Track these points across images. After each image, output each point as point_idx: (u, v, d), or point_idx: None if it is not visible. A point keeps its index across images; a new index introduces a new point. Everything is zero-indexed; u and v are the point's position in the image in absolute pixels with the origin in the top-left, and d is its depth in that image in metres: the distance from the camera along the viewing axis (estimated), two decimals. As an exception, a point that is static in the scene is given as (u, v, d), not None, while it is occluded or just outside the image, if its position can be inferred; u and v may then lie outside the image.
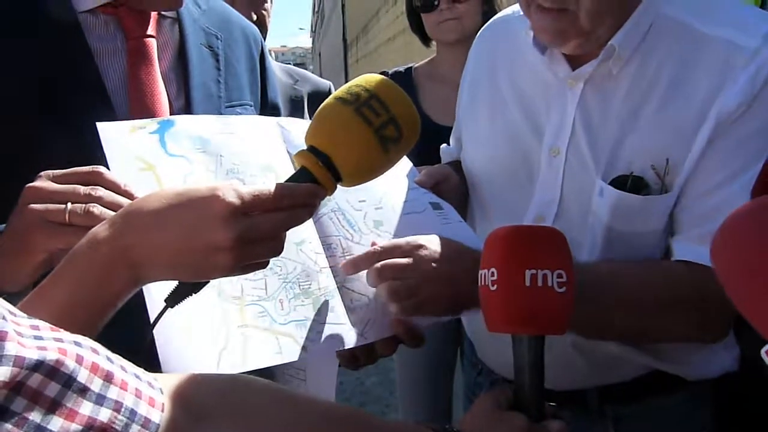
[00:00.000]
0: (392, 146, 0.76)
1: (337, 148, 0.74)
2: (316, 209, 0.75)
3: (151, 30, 1.04)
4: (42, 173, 0.81)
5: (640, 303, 0.96)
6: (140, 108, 0.97)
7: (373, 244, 0.94)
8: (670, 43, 1.00)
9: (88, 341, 0.48)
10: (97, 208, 0.77)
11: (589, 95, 1.05)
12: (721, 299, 0.92)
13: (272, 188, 0.70)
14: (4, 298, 0.81)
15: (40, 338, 0.43)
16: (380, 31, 14.66)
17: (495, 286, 0.72)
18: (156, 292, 0.74)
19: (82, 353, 0.45)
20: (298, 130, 1.02)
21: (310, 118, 0.98)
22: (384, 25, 13.87)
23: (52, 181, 0.80)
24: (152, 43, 1.03)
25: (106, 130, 0.87)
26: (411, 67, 2.13)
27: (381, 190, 1.03)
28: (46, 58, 0.95)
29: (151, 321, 0.73)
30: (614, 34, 1.00)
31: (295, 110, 2.02)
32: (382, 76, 0.79)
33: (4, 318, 0.42)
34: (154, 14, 1.05)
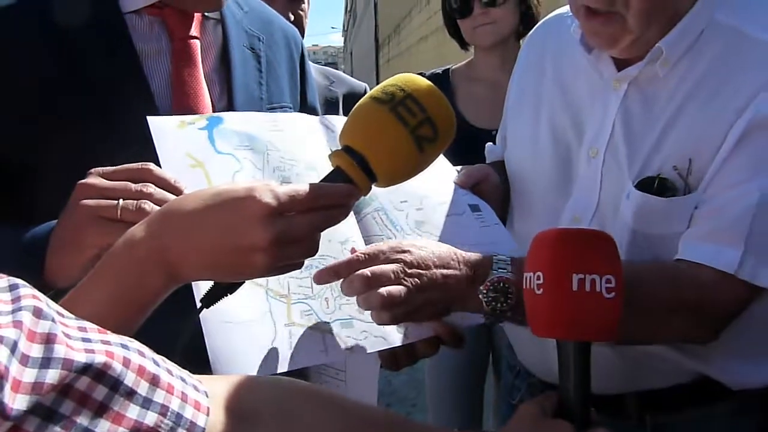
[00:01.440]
0: (428, 146, 0.76)
1: (372, 148, 0.74)
2: (350, 209, 0.74)
3: (195, 31, 1.05)
4: (92, 170, 0.82)
5: (649, 307, 0.93)
6: (183, 109, 0.98)
7: (353, 251, 0.90)
8: (719, 49, 0.99)
9: (134, 343, 0.48)
10: (148, 205, 0.78)
11: (632, 97, 1.04)
12: (716, 300, 0.91)
13: (308, 188, 0.70)
14: (55, 294, 0.83)
15: (88, 340, 0.44)
16: (412, 31, 14.65)
17: (541, 290, 0.70)
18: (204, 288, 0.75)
19: (129, 356, 0.45)
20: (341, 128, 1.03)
21: None
22: (416, 25, 13.86)
23: (103, 178, 0.81)
24: (196, 44, 1.04)
25: (156, 123, 0.87)
26: (448, 69, 2.13)
27: (422, 191, 1.03)
28: (92, 58, 0.96)
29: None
30: (663, 36, 0.99)
31: (330, 111, 2.02)
32: (417, 76, 0.78)
33: (53, 320, 0.42)
34: (197, 15, 1.06)
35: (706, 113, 0.97)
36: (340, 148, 0.77)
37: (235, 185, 0.69)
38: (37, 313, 0.41)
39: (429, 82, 0.78)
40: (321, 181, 0.75)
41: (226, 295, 0.72)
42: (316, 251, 0.73)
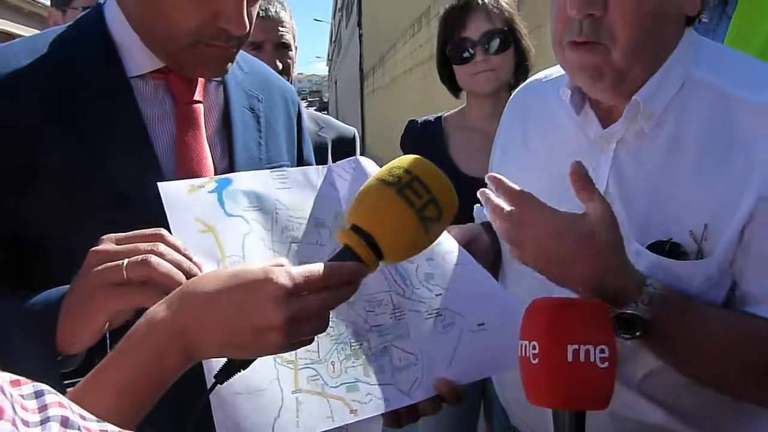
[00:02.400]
0: (433, 225, 0.79)
1: (380, 228, 0.77)
2: (359, 286, 0.77)
3: (198, 95, 1.08)
4: (105, 237, 0.83)
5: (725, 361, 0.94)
6: (187, 172, 1.01)
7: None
8: (705, 107, 1.00)
9: None
10: (154, 258, 0.79)
11: (623, 156, 1.05)
12: None
13: (320, 269, 0.73)
14: (61, 360, 0.84)
15: None
16: (397, 63, 14.83)
17: (536, 359, 0.73)
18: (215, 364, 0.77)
19: None
20: (350, 178, 1.02)
21: None
22: (401, 57, 14.04)
23: (116, 244, 0.82)
24: (200, 108, 1.07)
25: (167, 189, 0.89)
26: (440, 117, 2.15)
27: None
28: (98, 124, 0.99)
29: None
30: (646, 80, 1.00)
31: (320, 157, 2.05)
32: (421, 157, 0.82)
33: (79, 428, 0.43)
34: (201, 80, 1.10)
35: (705, 178, 0.98)
36: (343, 209, 0.79)
37: (251, 266, 0.72)
38: (65, 423, 0.43)
39: (431, 164, 0.81)
40: (330, 259, 0.78)
41: (240, 371, 0.74)
42: (326, 328, 0.75)
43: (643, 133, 1.03)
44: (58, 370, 0.84)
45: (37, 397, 0.44)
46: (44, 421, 0.42)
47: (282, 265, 0.72)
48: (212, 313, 0.69)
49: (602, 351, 0.72)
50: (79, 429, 0.44)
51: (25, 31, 14.80)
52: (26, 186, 0.95)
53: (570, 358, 0.71)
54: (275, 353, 0.73)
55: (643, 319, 0.89)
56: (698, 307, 0.97)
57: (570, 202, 1.08)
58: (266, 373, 0.83)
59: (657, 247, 0.99)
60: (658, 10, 0.96)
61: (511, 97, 1.33)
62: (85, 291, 0.81)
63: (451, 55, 2.01)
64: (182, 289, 0.72)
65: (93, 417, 0.47)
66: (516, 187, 0.97)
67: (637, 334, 0.90)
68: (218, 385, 0.73)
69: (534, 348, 0.74)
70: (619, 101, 1.05)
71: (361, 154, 2.49)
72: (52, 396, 0.44)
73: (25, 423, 0.41)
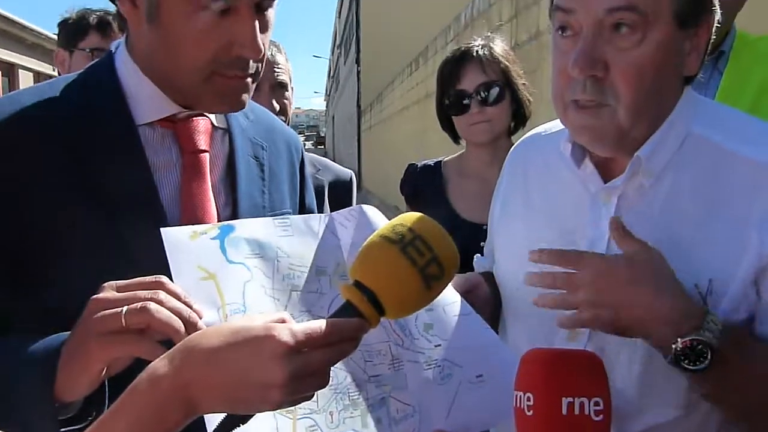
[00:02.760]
0: (435, 283, 0.80)
1: (382, 285, 0.78)
2: (359, 342, 0.78)
3: (204, 144, 1.10)
4: (106, 284, 0.85)
5: None
6: (191, 220, 1.02)
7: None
8: (703, 162, 1.02)
9: None
10: (152, 305, 0.80)
11: (624, 210, 1.06)
12: None
13: (323, 326, 0.74)
14: (59, 406, 0.85)
15: None
16: (395, 100, 14.99)
17: (531, 411, 0.74)
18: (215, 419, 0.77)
19: None
20: (349, 227, 1.03)
21: (331, 208, 1.02)
22: (398, 94, 14.21)
23: (117, 291, 0.84)
24: (205, 157, 1.09)
25: (169, 235, 0.90)
26: (440, 162, 2.17)
27: None
28: (105, 172, 1.00)
29: None
30: (648, 137, 1.02)
31: (317, 199, 2.07)
32: (424, 215, 0.84)
33: None
34: (207, 128, 1.12)
35: (707, 234, 0.99)
36: (344, 258, 0.80)
37: (254, 323, 0.73)
38: None
39: (435, 222, 0.83)
40: (332, 315, 0.79)
41: (240, 425, 0.75)
42: (327, 383, 0.76)
43: (644, 188, 1.05)
44: (56, 417, 0.85)
45: None
46: None
47: (284, 321, 0.74)
48: (214, 369, 0.70)
49: (596, 404, 0.73)
50: None
51: (27, 62, 14.97)
52: (29, 229, 0.96)
53: (564, 411, 0.72)
54: (276, 409, 0.74)
55: (711, 346, 0.89)
56: (758, 344, 0.98)
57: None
58: (264, 423, 0.83)
59: None
60: (659, 70, 0.98)
61: (511, 151, 1.34)
62: (83, 338, 0.81)
63: (448, 106, 2.05)
64: (185, 344, 0.73)
65: None
66: (563, 250, 0.99)
67: (705, 364, 0.89)
68: None
69: (529, 400, 0.75)
70: (621, 156, 1.07)
71: (357, 191, 2.49)
72: None
73: None
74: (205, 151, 1.10)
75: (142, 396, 0.70)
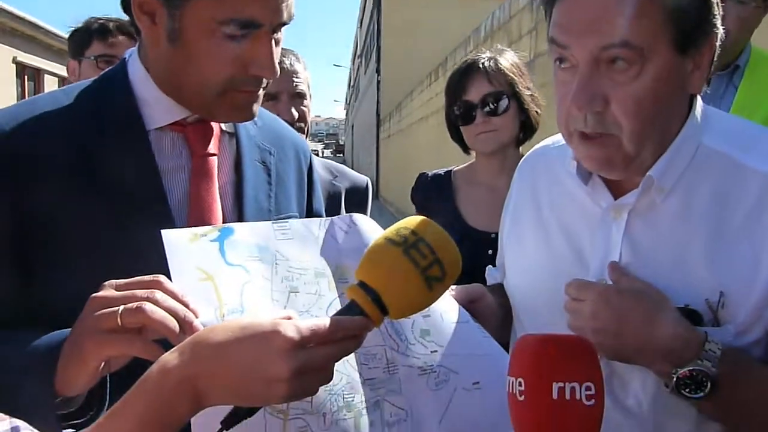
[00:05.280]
0: (436, 284, 0.82)
1: (386, 285, 0.80)
2: (363, 340, 0.80)
3: (213, 148, 1.12)
4: (106, 283, 0.86)
5: None
6: (198, 222, 1.04)
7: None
8: (714, 176, 1.02)
9: None
10: (148, 305, 0.81)
11: (635, 226, 1.05)
12: None
13: (327, 323, 0.76)
14: (61, 401, 0.86)
15: None
16: (413, 110, 15.03)
17: (522, 396, 0.74)
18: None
19: None
20: (349, 231, 1.03)
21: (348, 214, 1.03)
22: (417, 105, 14.24)
23: (116, 290, 0.85)
24: (214, 160, 1.11)
25: (169, 237, 0.91)
26: (450, 171, 2.19)
27: None
28: (115, 176, 1.02)
29: None
30: (657, 157, 1.02)
31: (333, 205, 2.08)
32: (427, 219, 0.85)
33: None
34: (216, 132, 1.14)
35: (719, 247, 0.99)
36: (353, 283, 0.82)
37: (261, 319, 0.75)
38: None
39: (438, 226, 0.84)
40: (337, 313, 0.81)
41: (246, 418, 0.76)
42: (331, 379, 0.77)
43: (655, 204, 1.04)
44: (55, 411, 0.87)
45: None
46: None
47: (290, 318, 0.75)
48: (222, 363, 0.72)
49: (588, 388, 0.72)
50: None
51: (53, 67, 15.24)
52: (43, 232, 0.98)
53: (555, 395, 0.71)
54: (281, 402, 0.76)
55: (709, 376, 0.91)
56: (759, 365, 0.98)
57: (584, 270, 1.08)
58: (254, 424, 0.83)
59: None
60: (659, 98, 0.97)
61: (520, 164, 1.34)
62: (80, 335, 0.83)
63: (455, 117, 2.07)
64: (194, 339, 0.75)
65: None
66: (576, 282, 1.02)
67: (705, 392, 0.91)
68: (224, 431, 0.75)
69: (520, 385, 0.74)
70: (629, 178, 1.06)
71: (374, 199, 2.48)
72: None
73: None
74: (213, 154, 1.11)
75: (151, 387, 0.72)
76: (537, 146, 1.32)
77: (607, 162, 1.01)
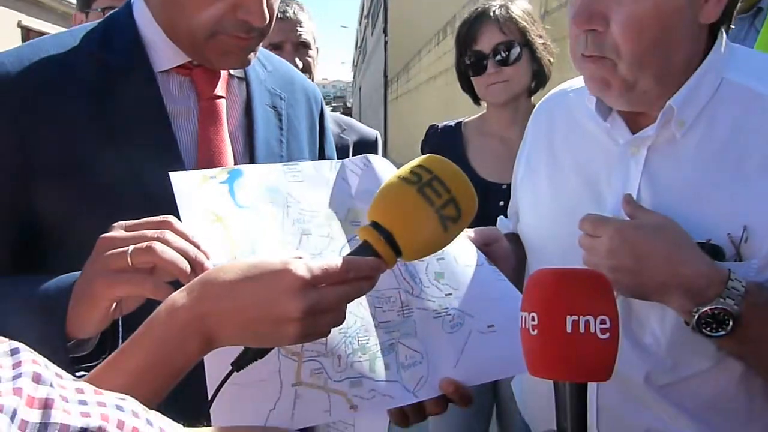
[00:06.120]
0: (451, 225, 0.79)
1: (399, 225, 0.78)
2: (376, 281, 0.78)
3: (221, 90, 1.10)
4: (115, 224, 0.85)
5: None
6: (208, 166, 1.02)
7: None
8: (737, 110, 0.99)
9: (129, 403, 0.50)
10: (158, 245, 0.80)
11: (655, 162, 1.03)
12: None
13: (339, 262, 0.74)
14: (73, 344, 0.86)
15: (84, 403, 0.46)
16: (421, 70, 14.85)
17: (535, 330, 0.71)
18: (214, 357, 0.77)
19: (123, 418, 0.47)
20: (361, 174, 1.02)
21: None
22: (425, 64, 14.07)
23: (125, 231, 0.84)
24: (222, 103, 1.09)
25: (178, 179, 0.89)
26: (461, 122, 2.16)
27: None
28: (125, 116, 1.01)
29: (208, 383, 0.77)
30: (663, 90, 1.00)
31: (341, 159, 2.06)
32: (442, 157, 0.82)
33: (51, 385, 0.44)
34: (224, 75, 1.11)
35: (743, 182, 0.97)
36: (365, 224, 0.80)
37: (271, 258, 0.73)
38: (36, 379, 0.44)
39: (453, 164, 0.82)
40: (349, 253, 0.79)
41: (257, 359, 0.75)
42: (343, 321, 0.76)
43: (675, 139, 1.02)
44: (67, 354, 0.86)
45: (12, 354, 0.45)
46: (16, 377, 0.43)
47: (301, 258, 0.73)
48: (232, 301, 0.70)
49: (603, 322, 0.69)
50: (51, 385, 0.45)
51: (59, 30, 15.13)
52: (52, 175, 0.97)
53: (569, 329, 0.69)
54: (292, 343, 0.74)
55: (731, 314, 0.89)
56: None
57: (600, 209, 1.06)
58: (268, 365, 0.83)
59: None
60: (662, 22, 0.95)
61: (535, 109, 1.32)
62: (90, 276, 0.82)
63: (466, 67, 2.03)
64: (203, 278, 0.74)
65: (70, 377, 0.48)
66: (590, 215, 0.99)
67: (726, 330, 0.90)
68: (235, 372, 0.74)
69: (533, 319, 0.72)
70: (636, 109, 1.04)
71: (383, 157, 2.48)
72: (26, 354, 0.46)
73: None
74: (221, 96, 1.09)
75: (159, 326, 0.70)
76: (553, 91, 1.30)
77: (605, 84, 1.00)
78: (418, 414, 0.96)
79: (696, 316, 0.91)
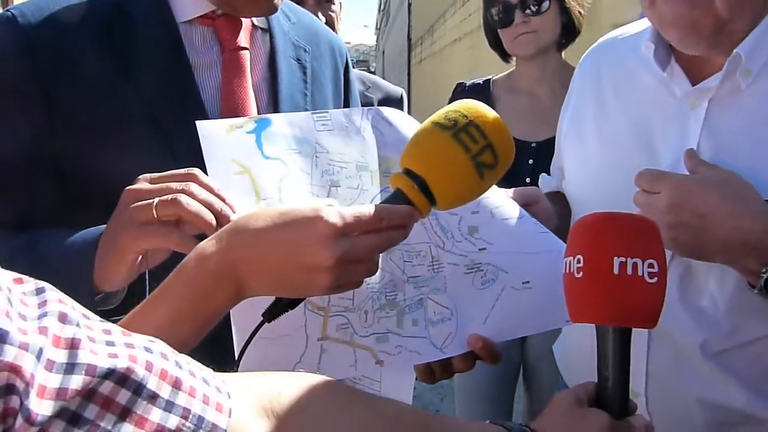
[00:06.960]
0: (488, 172, 0.76)
1: (433, 172, 0.75)
2: (410, 231, 0.76)
3: (245, 42, 1.07)
4: (140, 176, 0.84)
5: None
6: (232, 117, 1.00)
7: None
8: None
9: (158, 345, 0.49)
10: (183, 197, 0.78)
11: (716, 115, 0.96)
12: None
13: (371, 210, 0.72)
14: (103, 297, 0.86)
15: (111, 344, 0.45)
16: (446, 33, 14.60)
17: (581, 273, 0.68)
18: (241, 311, 0.76)
19: (151, 359, 0.46)
20: (394, 122, 0.98)
21: None
22: (450, 26, 13.81)
23: (150, 183, 0.83)
24: (246, 55, 1.06)
25: (205, 128, 0.87)
26: (489, 80, 2.12)
27: None
28: (147, 70, 0.99)
29: (234, 337, 0.76)
30: (746, 35, 0.92)
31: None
32: (479, 102, 0.79)
33: (78, 325, 0.43)
34: (247, 26, 1.09)
35: None
36: (398, 171, 0.78)
37: (302, 205, 0.71)
38: (63, 318, 0.43)
39: (491, 109, 0.78)
40: (382, 202, 0.76)
41: (288, 310, 0.74)
42: (376, 271, 0.74)
43: (739, 90, 0.95)
44: (95, 307, 0.86)
45: (37, 294, 0.44)
46: (42, 316, 0.42)
47: (332, 206, 0.71)
48: (261, 249, 0.69)
49: (651, 266, 0.66)
50: (77, 325, 0.43)
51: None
52: (76, 125, 0.96)
53: (616, 270, 0.66)
54: (324, 294, 0.73)
55: None
56: None
57: (656, 164, 0.99)
58: (294, 319, 0.82)
59: None
60: None
61: (582, 59, 1.25)
62: (116, 229, 0.82)
63: (493, 20, 1.98)
64: (233, 225, 0.72)
65: (97, 318, 0.47)
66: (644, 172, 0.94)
67: None
68: (266, 323, 0.74)
69: (579, 262, 0.69)
70: (714, 55, 0.97)
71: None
72: (52, 293, 0.44)
73: (23, 317, 0.41)
74: (245, 48, 1.07)
75: (188, 274, 0.69)
76: (600, 39, 1.22)
77: (693, 28, 0.91)
78: (445, 370, 0.95)
79: (765, 278, 0.85)
